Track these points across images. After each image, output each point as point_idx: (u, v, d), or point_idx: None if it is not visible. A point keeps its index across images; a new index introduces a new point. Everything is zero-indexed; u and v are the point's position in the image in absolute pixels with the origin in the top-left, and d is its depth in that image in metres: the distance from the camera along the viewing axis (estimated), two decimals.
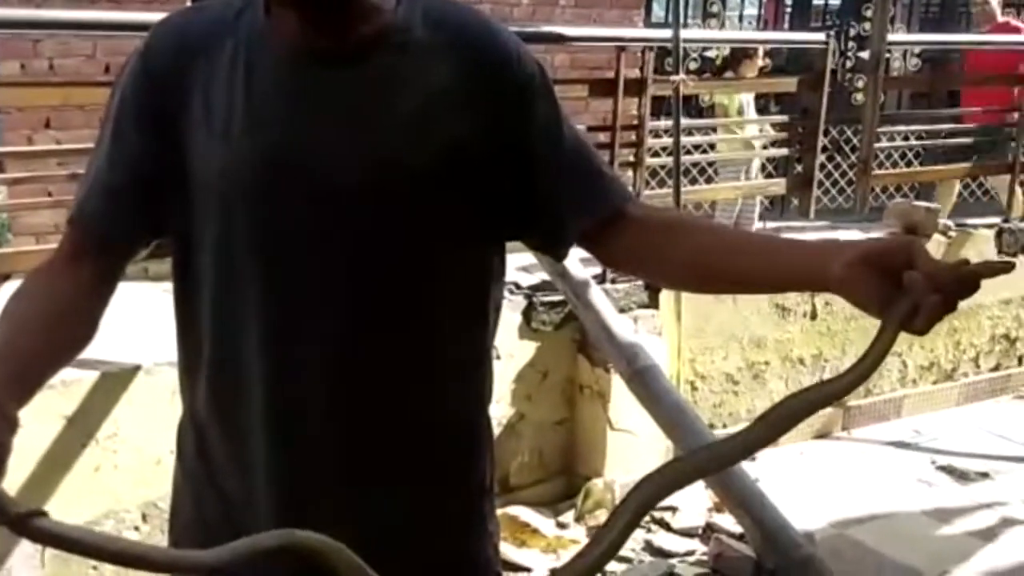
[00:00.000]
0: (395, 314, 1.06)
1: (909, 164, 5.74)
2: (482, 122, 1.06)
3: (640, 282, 3.54)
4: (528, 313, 3.34)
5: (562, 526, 3.30)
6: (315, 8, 1.02)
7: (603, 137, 3.66)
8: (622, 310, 3.40)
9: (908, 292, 0.88)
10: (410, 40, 1.05)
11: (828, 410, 4.22)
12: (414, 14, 1.06)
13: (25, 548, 2.50)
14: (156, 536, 2.57)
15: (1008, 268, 0.91)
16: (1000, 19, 6.08)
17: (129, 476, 2.59)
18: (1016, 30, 5.96)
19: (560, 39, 3.86)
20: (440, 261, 1.07)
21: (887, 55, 4.60)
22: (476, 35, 1.09)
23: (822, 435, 4.23)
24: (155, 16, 1.14)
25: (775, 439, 0.90)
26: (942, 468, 3.95)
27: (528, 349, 3.35)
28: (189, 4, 1.77)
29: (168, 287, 1.16)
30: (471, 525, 1.20)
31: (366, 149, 1.03)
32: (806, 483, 3.75)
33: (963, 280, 0.89)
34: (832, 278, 0.95)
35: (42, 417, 2.44)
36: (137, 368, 2.59)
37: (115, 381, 2.57)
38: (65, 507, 2.53)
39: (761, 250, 1.08)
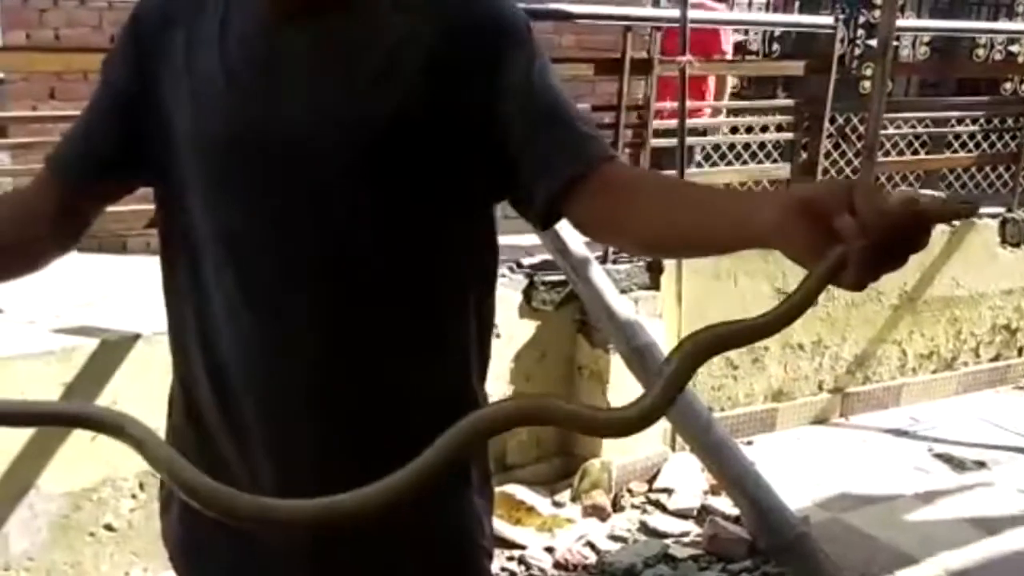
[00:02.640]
0: (364, 282, 1.05)
1: (916, 152, 5.73)
2: (449, 81, 1.03)
3: (642, 263, 3.53)
4: (529, 292, 3.34)
5: (558, 505, 3.31)
6: None
7: (608, 118, 3.64)
8: (623, 291, 3.39)
9: (841, 240, 0.75)
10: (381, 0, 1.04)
11: (826, 396, 4.24)
12: None
13: (22, 514, 2.52)
14: (154, 504, 2.58)
15: (968, 212, 0.78)
16: None
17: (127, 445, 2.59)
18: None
19: (567, 16, 3.83)
20: (407, 224, 1.05)
21: (896, 42, 4.56)
22: None
23: (819, 421, 4.23)
24: None
25: (693, 373, 0.77)
26: (939, 456, 3.96)
27: (528, 328, 3.35)
28: None
29: None
30: (453, 499, 1.18)
31: (330, 110, 1.02)
32: (802, 468, 3.76)
33: (897, 226, 0.74)
34: (766, 228, 0.82)
35: (41, 384, 2.44)
36: (137, 337, 2.60)
37: (115, 349, 2.58)
38: (63, 474, 2.54)
39: (701, 207, 0.97)
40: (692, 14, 3.70)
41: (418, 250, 1.07)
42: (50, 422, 0.83)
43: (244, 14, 1.05)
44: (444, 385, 1.14)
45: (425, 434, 1.11)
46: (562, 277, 3.34)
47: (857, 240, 0.74)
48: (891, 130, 4.68)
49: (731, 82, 5.06)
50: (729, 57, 4.78)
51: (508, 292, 3.28)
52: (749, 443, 3.92)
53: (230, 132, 1.03)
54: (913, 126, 5.05)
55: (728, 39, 4.75)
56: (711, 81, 4.84)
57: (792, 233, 0.79)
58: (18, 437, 2.46)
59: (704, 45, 4.47)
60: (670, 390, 0.76)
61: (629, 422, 0.77)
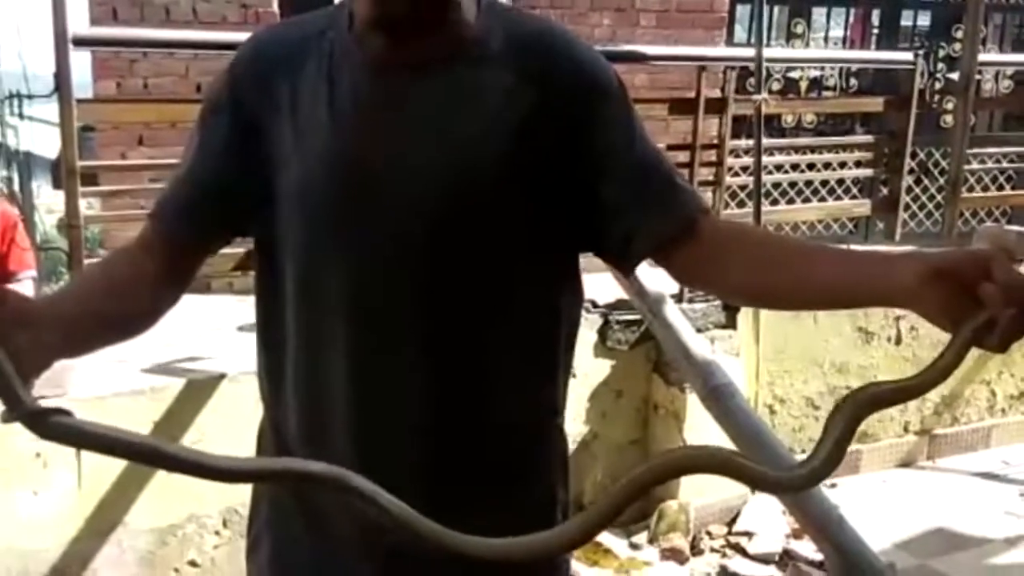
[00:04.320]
0: (466, 320, 1.08)
1: (1000, 188, 5.60)
2: (548, 135, 1.06)
3: (718, 302, 3.51)
4: (604, 331, 3.33)
5: (635, 547, 3.27)
6: (396, 23, 1.04)
7: (683, 156, 3.64)
8: (699, 330, 3.36)
9: (984, 306, 0.83)
10: (487, 53, 1.07)
11: (912, 438, 4.13)
12: (493, 26, 1.08)
13: (110, 550, 2.58)
14: (237, 541, 2.62)
15: None
16: None
17: (212, 482, 2.64)
18: None
19: (641, 58, 3.86)
20: (511, 267, 1.09)
21: (978, 76, 4.48)
22: (549, 47, 1.10)
23: (906, 464, 4.12)
24: (247, 36, 1.19)
25: (855, 432, 0.84)
26: None
27: (603, 367, 3.34)
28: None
29: (253, 300, 1.19)
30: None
31: (440, 160, 1.05)
32: (889, 512, 3.66)
33: None
34: (901, 291, 0.89)
35: (132, 422, 2.51)
36: (222, 376, 2.66)
37: (201, 389, 2.64)
38: (150, 511, 2.60)
39: (825, 264, 1.01)
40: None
41: (516, 288, 1.10)
42: (277, 479, 0.87)
43: (353, 66, 1.07)
44: (537, 417, 1.17)
45: (523, 466, 1.14)
46: (637, 316, 3.33)
47: (1004, 308, 0.82)
48: (975, 165, 4.58)
49: None
50: None
51: (583, 331, 3.25)
52: (833, 486, 3.83)
53: (337, 178, 1.06)
54: (997, 161, 4.94)
55: None
56: None
57: (930, 297, 0.87)
58: (109, 473, 2.53)
59: None
60: (838, 450, 0.83)
61: (802, 481, 0.84)
